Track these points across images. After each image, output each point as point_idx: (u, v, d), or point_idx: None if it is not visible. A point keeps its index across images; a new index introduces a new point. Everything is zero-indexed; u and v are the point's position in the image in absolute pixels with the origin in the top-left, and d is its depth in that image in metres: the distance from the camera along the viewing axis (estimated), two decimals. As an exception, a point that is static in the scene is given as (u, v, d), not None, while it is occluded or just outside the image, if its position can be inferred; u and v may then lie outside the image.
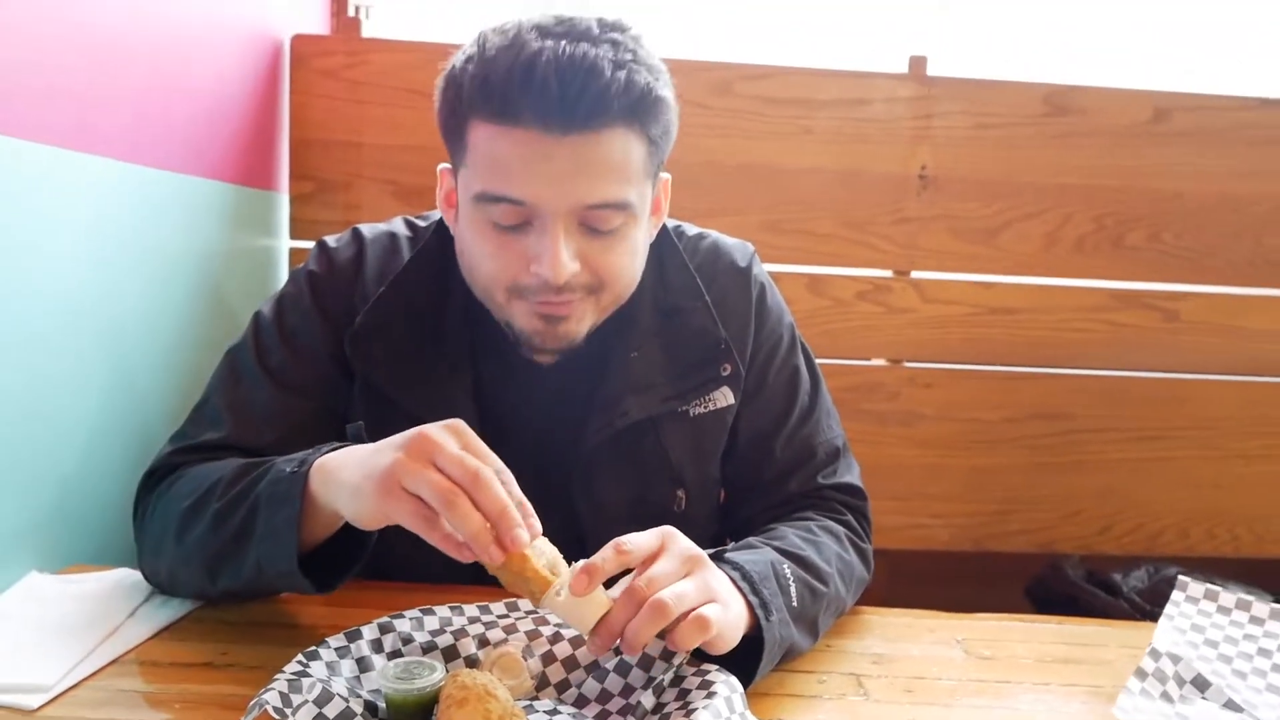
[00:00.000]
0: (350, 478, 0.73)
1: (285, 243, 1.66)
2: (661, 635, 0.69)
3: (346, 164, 1.62)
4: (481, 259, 0.86)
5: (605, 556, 0.69)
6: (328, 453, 0.78)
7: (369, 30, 1.75)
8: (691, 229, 1.03)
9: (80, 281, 1.06)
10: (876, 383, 1.72)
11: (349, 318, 0.93)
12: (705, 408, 0.96)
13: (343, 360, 0.94)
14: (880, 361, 1.74)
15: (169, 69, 1.25)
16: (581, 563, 0.69)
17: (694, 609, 0.69)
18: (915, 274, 1.72)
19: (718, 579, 0.74)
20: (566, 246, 0.82)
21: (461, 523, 0.65)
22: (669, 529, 0.75)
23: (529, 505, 0.70)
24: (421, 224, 1.02)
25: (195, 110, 1.34)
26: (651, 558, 0.72)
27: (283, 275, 1.66)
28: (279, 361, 0.94)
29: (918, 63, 1.68)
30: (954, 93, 1.68)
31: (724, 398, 0.97)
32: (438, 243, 0.96)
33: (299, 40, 1.61)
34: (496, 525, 0.66)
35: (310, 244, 1.60)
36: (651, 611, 0.67)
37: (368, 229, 1.01)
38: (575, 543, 0.78)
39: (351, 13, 1.83)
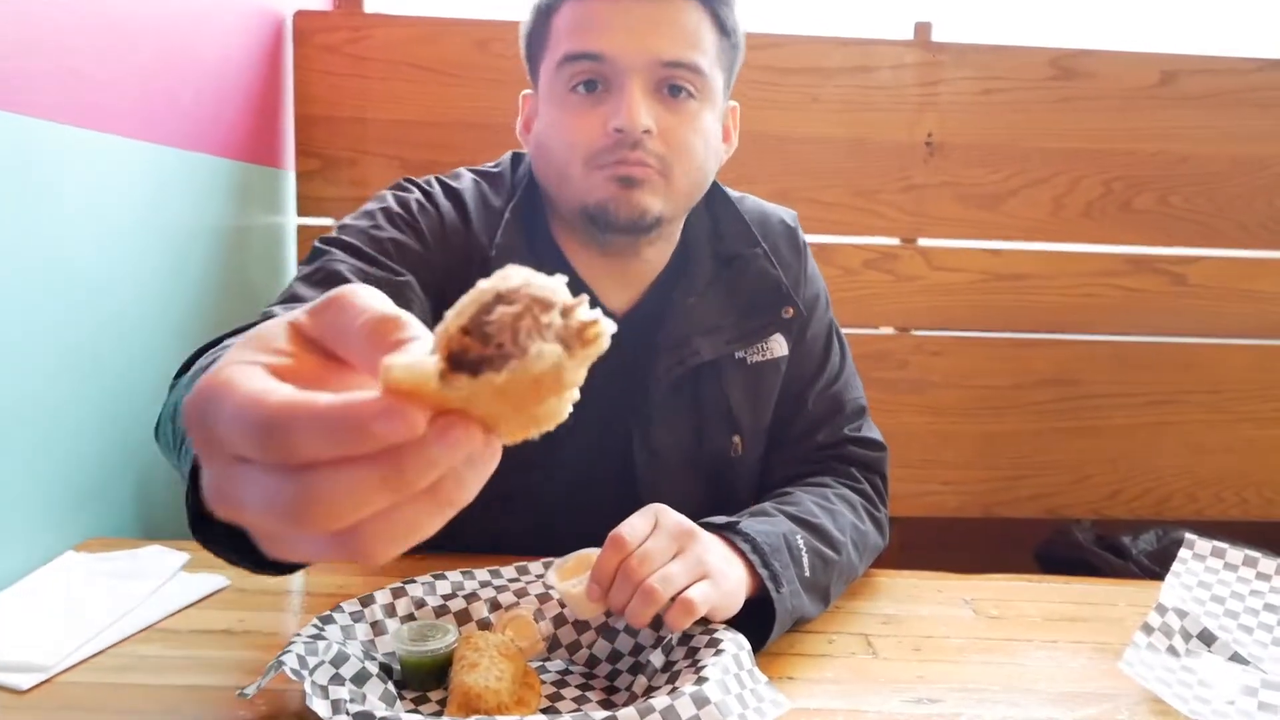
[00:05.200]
0: None
1: (292, 219, 1.66)
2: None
3: (352, 140, 1.61)
4: (560, 131, 0.87)
5: (608, 557, 0.72)
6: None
7: (371, 5, 1.74)
8: (731, 191, 1.04)
9: (90, 257, 1.07)
10: (885, 351, 1.72)
11: (445, 254, 0.89)
12: (763, 355, 0.98)
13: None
14: (888, 330, 1.73)
15: (173, 46, 1.26)
16: (590, 552, 0.73)
17: (683, 589, 0.70)
18: (922, 241, 1.71)
19: (709, 550, 0.75)
20: (643, 102, 0.85)
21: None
22: (659, 506, 0.76)
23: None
24: (494, 168, 0.99)
25: (200, 87, 1.34)
26: (647, 538, 0.73)
27: (291, 252, 1.67)
28: (388, 238, 0.87)
29: (923, 28, 1.66)
30: (960, 58, 1.66)
31: (780, 347, 0.99)
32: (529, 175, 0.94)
33: (301, 16, 1.60)
34: None
35: (318, 220, 1.63)
36: (643, 597, 0.69)
37: (447, 180, 0.96)
38: (629, 493, 0.80)
39: (353, -13, 1.82)
